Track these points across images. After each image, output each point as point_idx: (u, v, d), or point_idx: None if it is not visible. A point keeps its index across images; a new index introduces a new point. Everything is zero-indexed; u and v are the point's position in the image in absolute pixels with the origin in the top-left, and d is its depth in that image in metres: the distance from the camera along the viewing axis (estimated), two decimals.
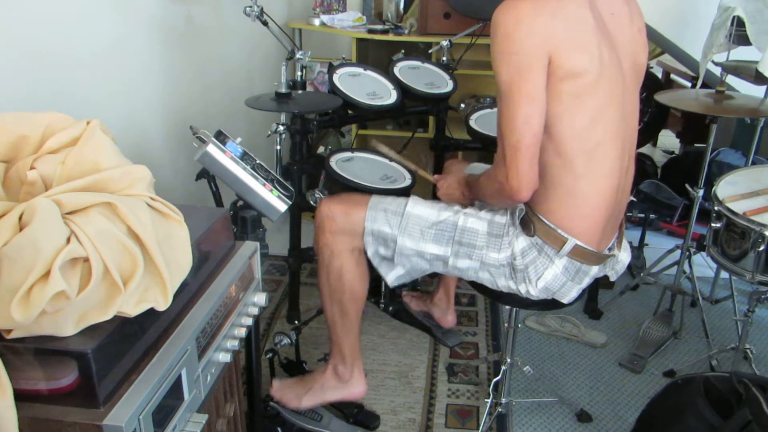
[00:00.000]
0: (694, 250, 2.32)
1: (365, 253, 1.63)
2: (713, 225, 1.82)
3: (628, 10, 1.41)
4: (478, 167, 1.93)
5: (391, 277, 1.68)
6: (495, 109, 2.37)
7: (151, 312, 0.92)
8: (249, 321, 1.25)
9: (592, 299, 2.47)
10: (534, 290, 1.46)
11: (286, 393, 1.80)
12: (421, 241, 1.53)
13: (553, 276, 1.44)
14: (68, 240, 0.83)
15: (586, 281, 1.50)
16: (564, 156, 1.34)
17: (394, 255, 1.56)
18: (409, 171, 1.95)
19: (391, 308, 2.34)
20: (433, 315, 2.27)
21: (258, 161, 1.52)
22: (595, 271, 1.49)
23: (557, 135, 1.32)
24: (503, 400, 1.85)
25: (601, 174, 1.37)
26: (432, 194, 2.27)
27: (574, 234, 1.40)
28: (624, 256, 1.60)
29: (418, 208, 1.54)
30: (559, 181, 1.37)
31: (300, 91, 2.30)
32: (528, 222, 1.44)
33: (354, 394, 1.81)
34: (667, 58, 3.92)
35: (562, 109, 1.29)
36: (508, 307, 1.74)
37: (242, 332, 1.19)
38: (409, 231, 1.53)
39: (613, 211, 1.44)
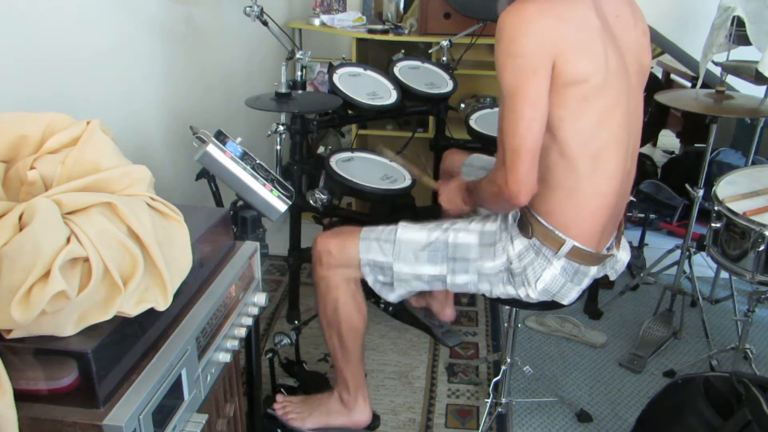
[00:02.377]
0: (694, 250, 2.32)
1: (363, 282, 1.63)
2: (713, 225, 1.82)
3: (632, 13, 1.41)
4: (477, 159, 1.92)
5: (393, 297, 1.66)
6: (495, 109, 2.37)
7: (151, 312, 0.92)
8: (249, 321, 1.25)
9: (592, 299, 2.47)
10: (533, 293, 1.45)
11: (290, 411, 1.78)
12: (416, 264, 1.53)
13: (551, 277, 1.43)
14: (68, 240, 0.83)
15: (586, 282, 1.50)
16: (568, 158, 1.33)
17: (393, 281, 1.56)
18: (415, 178, 1.94)
19: (391, 308, 2.34)
20: (432, 308, 2.26)
21: (258, 161, 1.52)
22: (594, 271, 1.49)
23: (562, 137, 1.31)
24: (503, 400, 1.85)
25: (604, 176, 1.37)
26: (432, 197, 2.27)
27: (572, 235, 1.40)
28: (623, 255, 1.59)
29: (407, 233, 1.54)
30: (562, 182, 1.36)
31: (300, 91, 2.30)
32: (526, 224, 1.44)
33: (358, 422, 1.79)
34: (667, 58, 3.92)
35: (568, 111, 1.29)
36: (508, 307, 1.74)
37: (242, 332, 1.19)
38: (403, 256, 1.53)
39: (613, 212, 1.44)
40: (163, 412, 0.91)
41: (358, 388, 1.77)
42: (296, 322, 2.30)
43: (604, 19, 1.31)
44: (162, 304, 0.93)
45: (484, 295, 1.56)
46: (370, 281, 1.61)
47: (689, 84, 3.75)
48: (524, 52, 1.24)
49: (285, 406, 1.79)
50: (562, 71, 1.25)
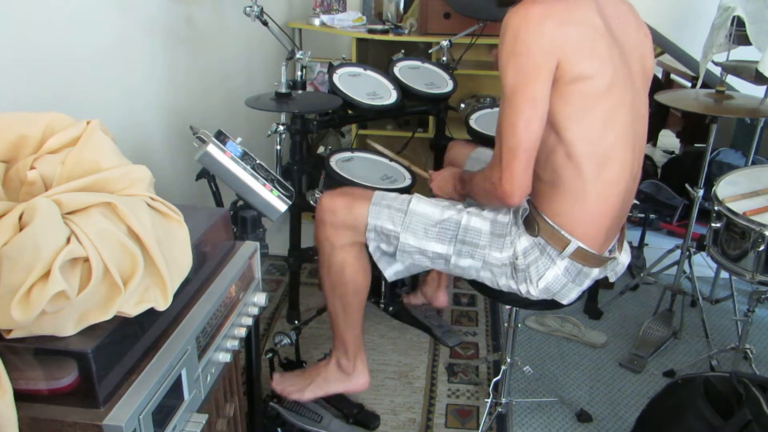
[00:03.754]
0: (694, 250, 2.32)
1: (366, 246, 1.63)
2: (713, 225, 1.82)
3: (634, 17, 1.42)
4: (483, 153, 1.93)
5: (390, 272, 1.68)
6: (495, 109, 2.37)
7: (151, 312, 0.92)
8: (249, 321, 1.25)
9: (592, 299, 2.47)
10: (534, 290, 1.46)
11: (288, 385, 1.79)
12: (425, 239, 1.53)
13: (554, 277, 1.44)
14: (68, 240, 0.83)
15: (587, 283, 1.50)
16: (574, 159, 1.33)
17: (396, 251, 1.56)
18: (406, 168, 1.94)
19: (391, 308, 2.34)
20: (425, 296, 2.26)
21: (258, 161, 1.52)
22: (595, 273, 1.49)
23: (568, 137, 1.31)
24: (503, 400, 1.85)
25: (611, 178, 1.37)
26: (432, 194, 2.27)
27: (577, 236, 1.40)
28: (624, 258, 1.59)
29: (421, 205, 1.54)
30: (568, 183, 1.36)
31: (300, 91, 2.30)
32: (532, 222, 1.44)
33: (357, 386, 1.81)
34: (667, 58, 3.92)
35: (574, 111, 1.29)
36: (508, 306, 1.74)
37: (242, 332, 1.19)
38: (413, 228, 1.53)
39: (618, 215, 1.44)
40: (163, 412, 0.91)
41: (357, 352, 1.78)
42: (296, 322, 2.30)
43: (607, 21, 1.32)
44: (162, 304, 0.93)
45: (483, 287, 1.56)
46: (371, 248, 1.61)
47: (689, 84, 3.75)
48: (528, 51, 1.24)
49: (282, 382, 1.80)
50: (566, 71, 1.25)
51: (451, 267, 1.54)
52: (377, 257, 1.65)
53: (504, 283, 1.50)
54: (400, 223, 1.53)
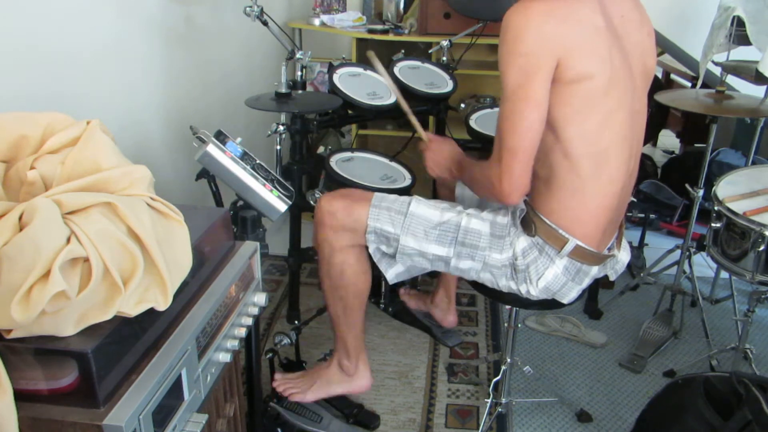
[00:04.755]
0: (694, 250, 2.32)
1: (366, 248, 1.63)
2: (713, 225, 1.82)
3: (638, 14, 1.41)
4: None
5: (391, 274, 1.68)
6: (495, 109, 2.37)
7: (151, 312, 0.92)
8: (249, 321, 1.25)
9: (592, 299, 2.47)
10: (534, 290, 1.46)
11: (290, 386, 1.79)
12: (425, 241, 1.53)
13: (553, 276, 1.44)
14: (68, 240, 0.83)
15: (587, 281, 1.50)
16: (571, 158, 1.33)
17: (396, 253, 1.56)
18: (404, 112, 1.81)
19: (391, 308, 2.34)
20: (434, 316, 2.27)
21: (258, 161, 1.52)
22: (595, 271, 1.49)
23: (566, 137, 1.31)
24: (503, 400, 1.85)
25: (607, 177, 1.37)
26: (432, 194, 2.27)
27: (575, 234, 1.40)
28: (623, 256, 1.60)
29: (421, 208, 1.54)
30: (565, 182, 1.36)
31: (300, 91, 2.30)
32: (529, 222, 1.44)
33: (359, 387, 1.82)
34: (667, 58, 3.92)
35: (572, 111, 1.29)
36: (508, 307, 1.74)
37: (242, 332, 1.19)
38: (413, 231, 1.53)
39: (615, 212, 1.44)
40: (163, 412, 0.91)
41: (359, 353, 1.78)
42: (296, 322, 2.30)
43: (609, 20, 1.31)
44: (162, 304, 0.93)
45: (484, 288, 1.56)
46: (371, 249, 1.61)
47: (689, 84, 3.75)
48: (529, 51, 1.24)
49: (284, 383, 1.80)
50: (566, 70, 1.25)
51: (451, 269, 1.54)
52: (377, 259, 1.65)
53: (504, 284, 1.50)
54: (400, 226, 1.53)
